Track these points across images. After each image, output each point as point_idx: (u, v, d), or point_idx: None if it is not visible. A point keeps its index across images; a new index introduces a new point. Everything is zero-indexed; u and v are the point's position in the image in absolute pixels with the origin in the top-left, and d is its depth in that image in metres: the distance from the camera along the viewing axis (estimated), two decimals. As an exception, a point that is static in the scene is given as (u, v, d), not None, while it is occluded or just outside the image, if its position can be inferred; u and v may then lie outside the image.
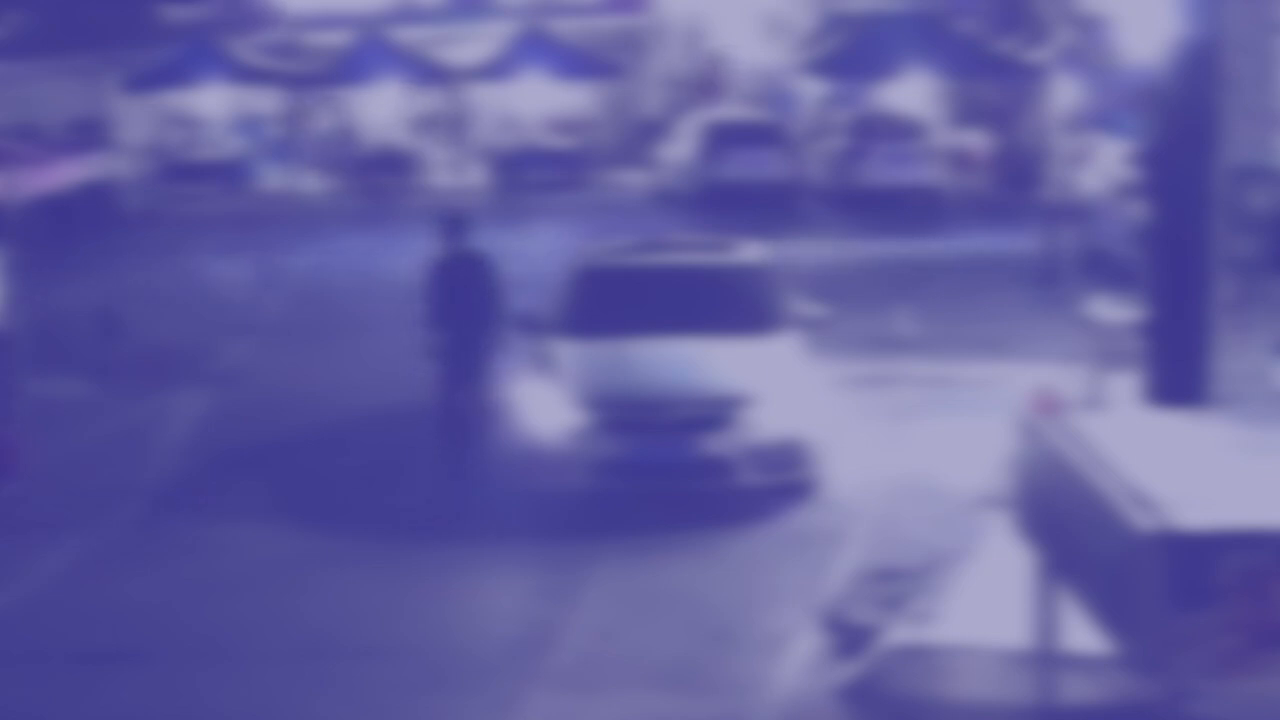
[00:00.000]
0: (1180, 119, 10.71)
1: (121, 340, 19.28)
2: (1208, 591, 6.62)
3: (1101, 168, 26.89)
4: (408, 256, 27.87)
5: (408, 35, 42.72)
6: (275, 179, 40.45)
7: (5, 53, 39.43)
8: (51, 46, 39.89)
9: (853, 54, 37.73)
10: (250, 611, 11.23)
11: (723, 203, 32.02)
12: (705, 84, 43.92)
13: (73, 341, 19.42)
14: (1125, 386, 12.83)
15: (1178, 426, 8.98)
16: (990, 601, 10.05)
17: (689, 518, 12.80)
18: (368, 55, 41.60)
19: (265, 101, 42.54)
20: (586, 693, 9.68)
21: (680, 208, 33.34)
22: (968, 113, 37.85)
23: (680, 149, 35.23)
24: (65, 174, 31.01)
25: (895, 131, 33.97)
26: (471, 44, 42.96)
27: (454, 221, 15.38)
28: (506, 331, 14.85)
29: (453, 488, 13.94)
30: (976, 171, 36.34)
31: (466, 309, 14.97)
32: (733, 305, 14.47)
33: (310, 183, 40.19)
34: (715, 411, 12.95)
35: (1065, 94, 34.98)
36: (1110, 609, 7.28)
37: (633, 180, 39.05)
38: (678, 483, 13.09)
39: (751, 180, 33.03)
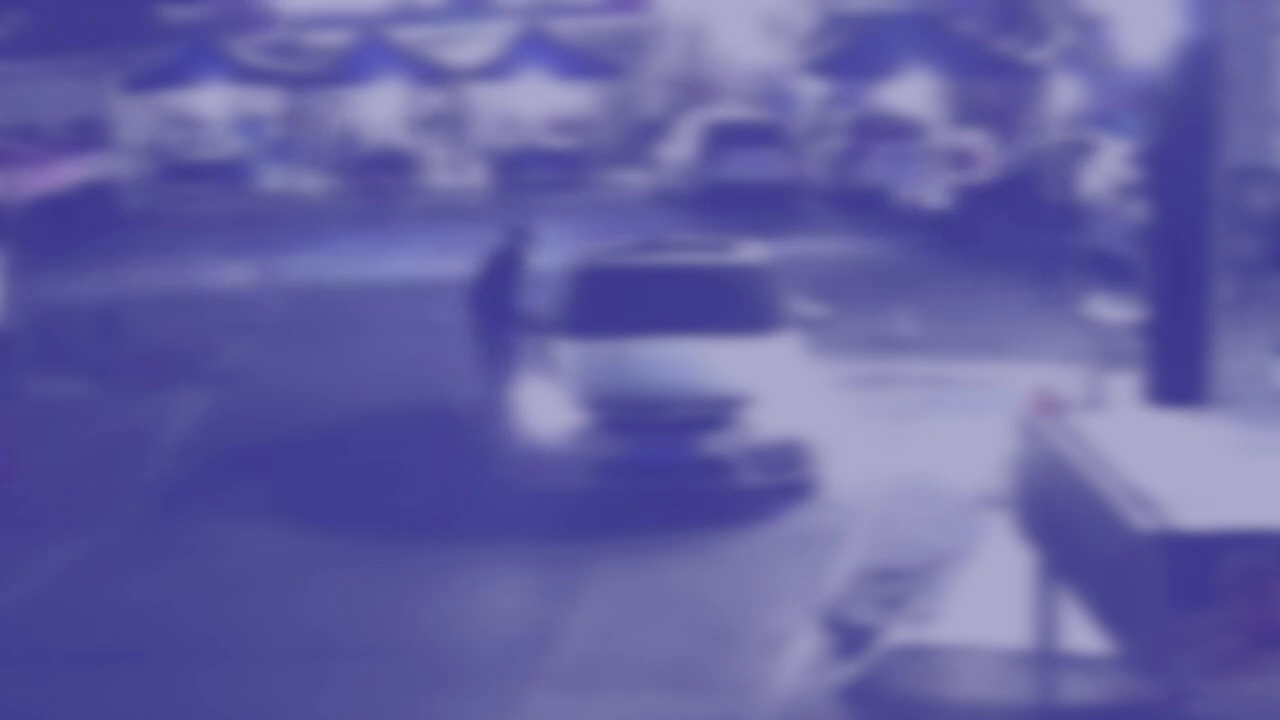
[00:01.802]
0: (1180, 119, 10.71)
1: (121, 340, 19.29)
2: (1208, 591, 6.62)
3: (1101, 167, 26.89)
4: (407, 256, 27.96)
5: (408, 35, 42.73)
6: (275, 179, 40.47)
7: (5, 53, 39.45)
8: (51, 46, 39.90)
9: (853, 54, 37.74)
10: (250, 611, 11.22)
11: (723, 203, 32.03)
12: (703, 84, 43.90)
13: (73, 341, 19.43)
14: (1125, 386, 12.83)
15: (1178, 426, 8.98)
16: (990, 601, 10.06)
17: (689, 518, 12.80)
18: (368, 55, 41.62)
19: (265, 101, 42.56)
20: (586, 693, 9.68)
21: (680, 208, 33.35)
22: (968, 113, 37.86)
23: (680, 149, 35.24)
24: (65, 174, 31.02)
25: (895, 131, 33.97)
26: (471, 44, 42.97)
27: (517, 231, 17.18)
28: (520, 326, 15.43)
29: (453, 488, 13.94)
30: (976, 172, 36.32)
31: (494, 302, 16.40)
32: (732, 305, 14.47)
33: (310, 183, 40.20)
34: (715, 411, 12.95)
35: (1065, 94, 35.01)
36: (1110, 609, 7.29)
37: (633, 180, 39.06)
38: (678, 483, 13.09)
39: (751, 180, 33.03)
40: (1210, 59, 10.52)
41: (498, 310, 16.33)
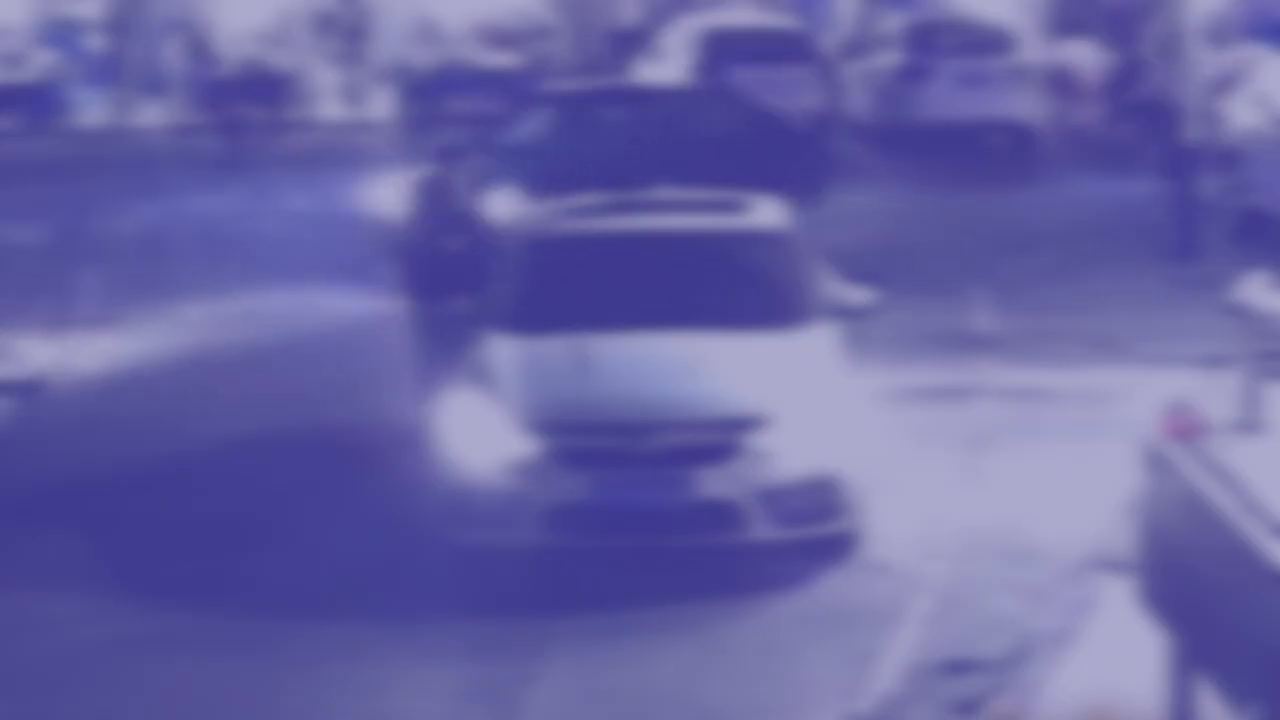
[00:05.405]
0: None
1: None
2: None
3: (1259, 94, 27.01)
4: (281, 223, 27.98)
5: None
6: (95, 110, 40.45)
7: None
8: None
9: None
10: (65, 714, 11.23)
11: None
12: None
13: None
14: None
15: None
16: (1104, 703, 10.11)
17: (679, 587, 12.83)
18: (226, -64, 41.68)
19: (81, 3, 42.55)
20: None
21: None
22: (1071, 19, 38.01)
23: (667, 68, 35.30)
24: None
25: (970, 45, 34.10)
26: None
27: (444, 152, 17.30)
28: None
29: (352, 543, 13.95)
30: (1084, 101, 36.48)
31: (430, 263, 16.66)
32: (740, 288, 14.52)
33: (145, 115, 40.20)
34: (716, 437, 12.97)
35: (1206, -7, 35.14)
36: (1269, 705, 7.34)
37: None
38: (662, 537, 13.12)
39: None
40: None
41: (435, 273, 16.37)
